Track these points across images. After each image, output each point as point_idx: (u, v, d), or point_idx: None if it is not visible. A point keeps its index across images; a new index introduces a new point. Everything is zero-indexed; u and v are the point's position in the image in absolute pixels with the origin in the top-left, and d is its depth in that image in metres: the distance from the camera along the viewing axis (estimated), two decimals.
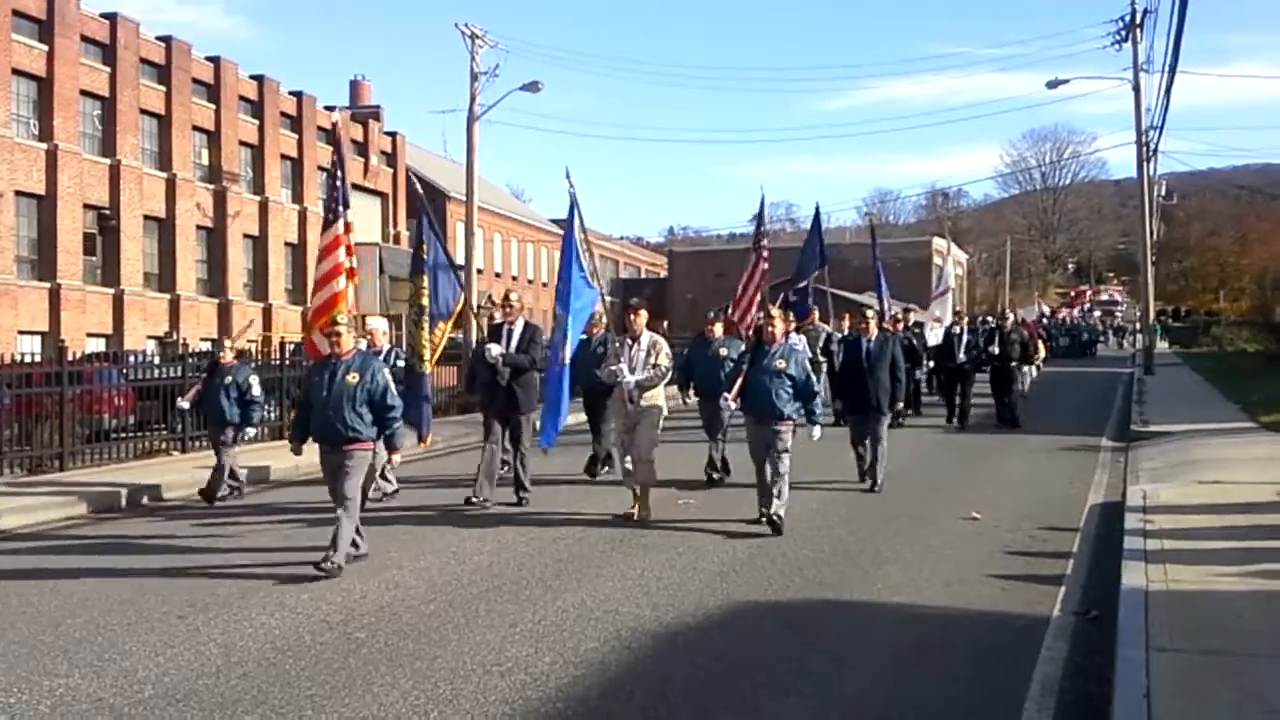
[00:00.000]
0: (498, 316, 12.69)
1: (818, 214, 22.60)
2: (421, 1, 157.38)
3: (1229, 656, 5.38)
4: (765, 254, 18.94)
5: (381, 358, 9.58)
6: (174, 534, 9.63)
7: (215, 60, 38.15)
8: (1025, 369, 19.09)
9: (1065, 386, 29.42)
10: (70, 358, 14.86)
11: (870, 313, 16.29)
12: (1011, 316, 19.68)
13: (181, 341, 22.96)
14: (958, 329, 18.74)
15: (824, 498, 11.30)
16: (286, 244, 41.44)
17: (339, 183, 12.39)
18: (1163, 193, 43.90)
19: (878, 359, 11.77)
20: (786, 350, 9.88)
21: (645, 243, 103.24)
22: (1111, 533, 8.97)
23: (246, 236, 39.38)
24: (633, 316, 10.30)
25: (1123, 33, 33.42)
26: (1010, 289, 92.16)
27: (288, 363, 18.30)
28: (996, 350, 17.70)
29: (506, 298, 11.60)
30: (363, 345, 9.39)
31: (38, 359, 16.54)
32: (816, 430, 9.76)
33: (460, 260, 40.64)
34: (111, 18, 33.59)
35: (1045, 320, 53.25)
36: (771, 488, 9.42)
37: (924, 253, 67.85)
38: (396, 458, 8.90)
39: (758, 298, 18.06)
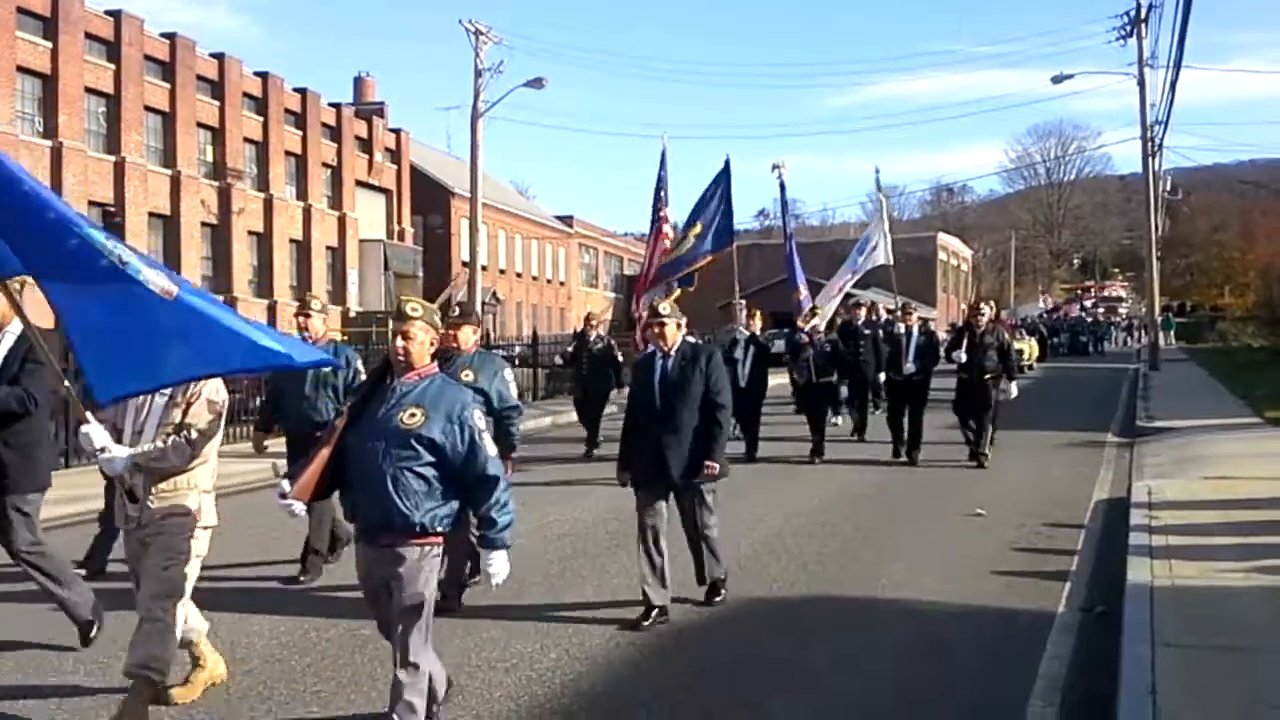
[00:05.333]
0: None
1: (727, 167, 16.49)
2: None
3: (1234, 652, 5.37)
4: (663, 214, 16.27)
5: None
6: None
7: (219, 57, 38.17)
8: (1005, 386, 13.31)
9: (1070, 383, 29.42)
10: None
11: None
12: (987, 312, 14.10)
13: None
14: (901, 328, 14.14)
15: (827, 495, 11.30)
16: (291, 241, 41.44)
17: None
18: (1168, 188, 43.84)
19: (675, 390, 6.63)
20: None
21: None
22: (1117, 529, 8.95)
23: (251, 233, 39.40)
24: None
25: (1127, 28, 33.35)
26: (1015, 285, 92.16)
27: None
28: (964, 358, 13.04)
29: None
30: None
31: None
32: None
33: (465, 256, 40.74)
34: (116, 15, 33.61)
35: (1045, 317, 52.95)
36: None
37: (929, 248, 67.84)
38: None
39: (659, 281, 15.44)
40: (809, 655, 5.94)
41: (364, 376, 7.02)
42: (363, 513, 4.44)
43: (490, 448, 4.42)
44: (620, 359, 15.20)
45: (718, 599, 6.91)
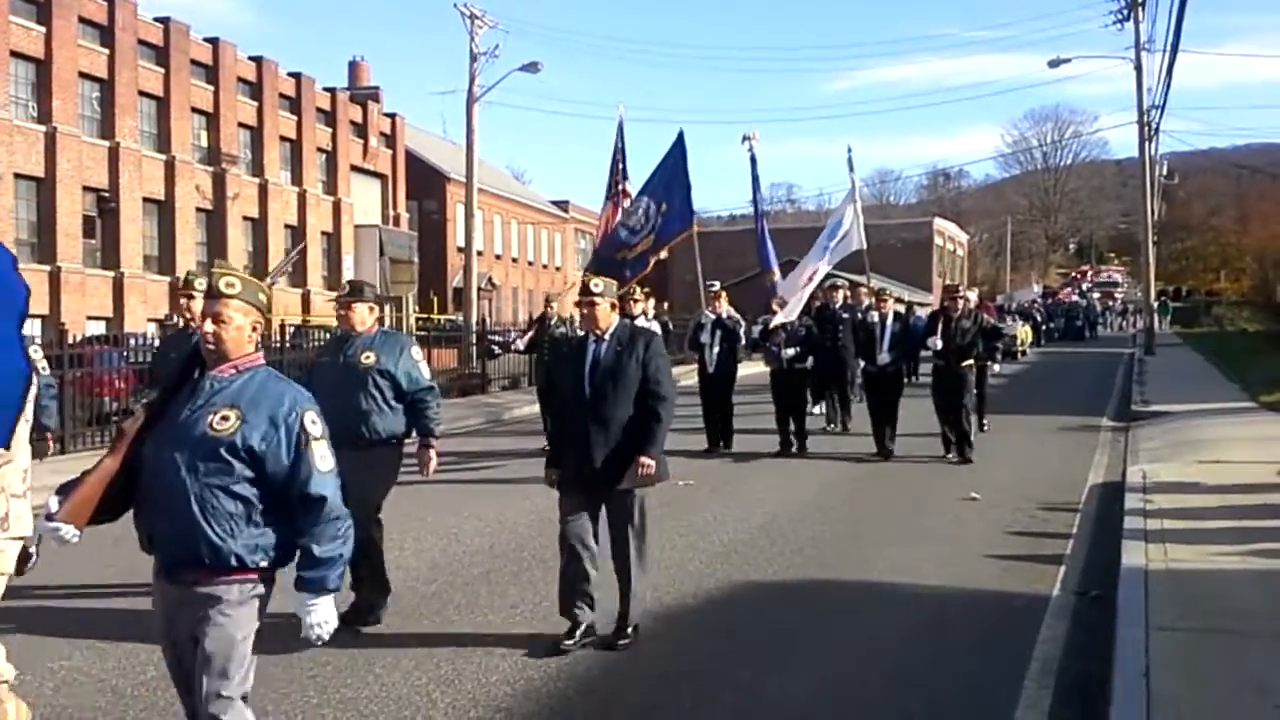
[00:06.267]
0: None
1: (681, 140, 15.70)
2: None
3: (1228, 636, 5.40)
4: (624, 188, 15.10)
5: None
6: None
7: (214, 41, 38.00)
8: (993, 365, 13.25)
9: (1065, 367, 29.46)
10: (71, 340, 14.86)
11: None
12: (971, 296, 13.61)
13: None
14: (875, 316, 13.37)
15: (824, 478, 11.32)
16: (286, 226, 41.35)
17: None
18: (1164, 172, 43.85)
19: (608, 378, 5.75)
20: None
21: None
22: (1111, 512, 8.98)
23: (246, 219, 39.32)
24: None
25: (1124, 12, 33.30)
26: (1011, 269, 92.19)
27: (287, 345, 18.29)
28: (939, 345, 12.29)
29: None
30: None
31: (38, 342, 16.49)
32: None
33: (460, 242, 40.66)
34: None
35: (1038, 302, 52.90)
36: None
37: (925, 233, 67.77)
38: None
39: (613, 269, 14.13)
40: (804, 638, 5.96)
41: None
42: (160, 543, 3.45)
43: (323, 460, 3.47)
44: None
45: (623, 642, 5.70)
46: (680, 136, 15.67)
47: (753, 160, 17.05)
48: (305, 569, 3.47)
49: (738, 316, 13.82)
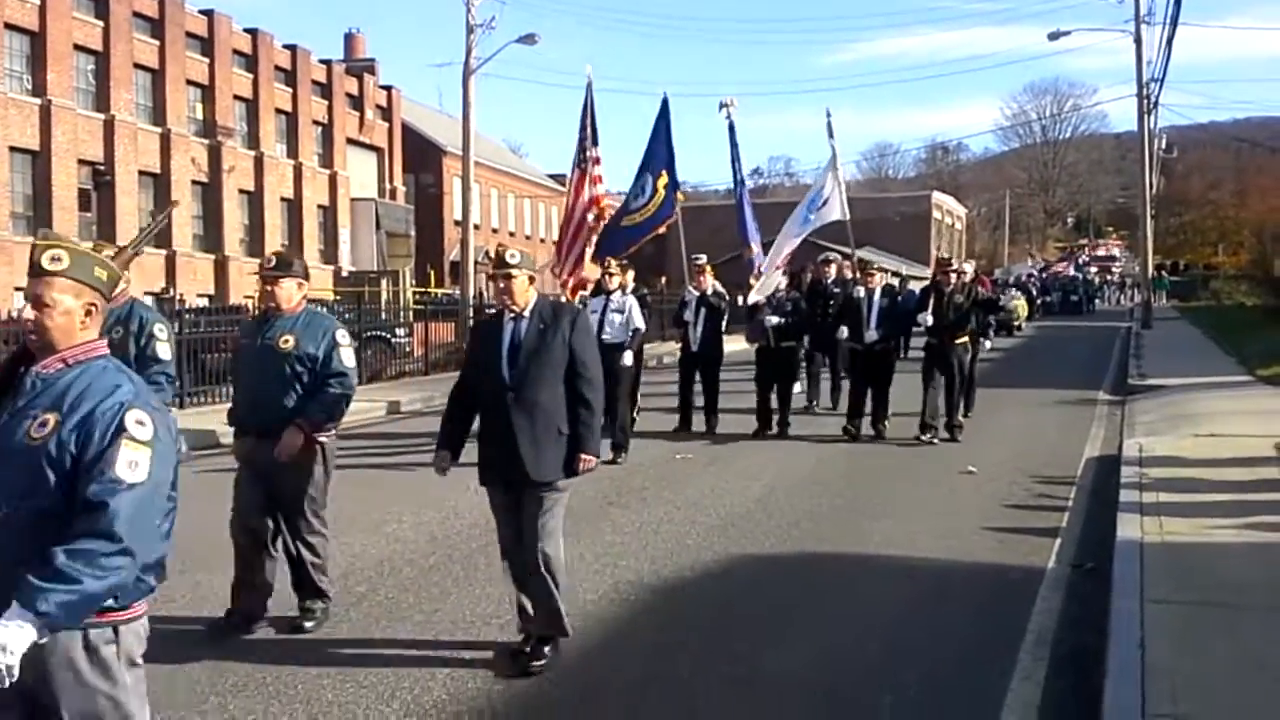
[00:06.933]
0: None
1: (665, 107, 14.81)
2: None
3: (1223, 608, 5.43)
4: (594, 154, 14.03)
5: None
6: None
7: (208, 14, 37.73)
8: (985, 342, 12.89)
9: (1062, 341, 29.49)
10: None
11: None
12: (968, 269, 13.32)
13: (178, 298, 22.94)
14: (861, 291, 12.36)
15: (821, 452, 11.34)
16: (282, 199, 41.19)
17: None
18: (1163, 146, 43.65)
19: (531, 359, 5.17)
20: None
21: None
22: (1107, 485, 9.01)
23: (242, 192, 39.16)
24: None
25: None
26: (1009, 243, 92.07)
27: None
28: (930, 321, 11.77)
29: None
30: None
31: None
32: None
33: (457, 215, 40.55)
34: None
35: (1031, 276, 52.81)
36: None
37: (924, 207, 67.64)
38: None
39: (581, 241, 13.47)
40: (801, 610, 5.99)
41: (164, 345, 5.79)
42: None
43: (131, 469, 2.61)
44: None
45: (539, 663, 5.01)
46: (665, 103, 14.72)
47: (731, 129, 16.12)
48: (36, 573, 2.52)
49: (724, 292, 13.19)
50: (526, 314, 5.22)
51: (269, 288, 5.59)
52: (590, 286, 12.27)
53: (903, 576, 6.68)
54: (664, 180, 14.11)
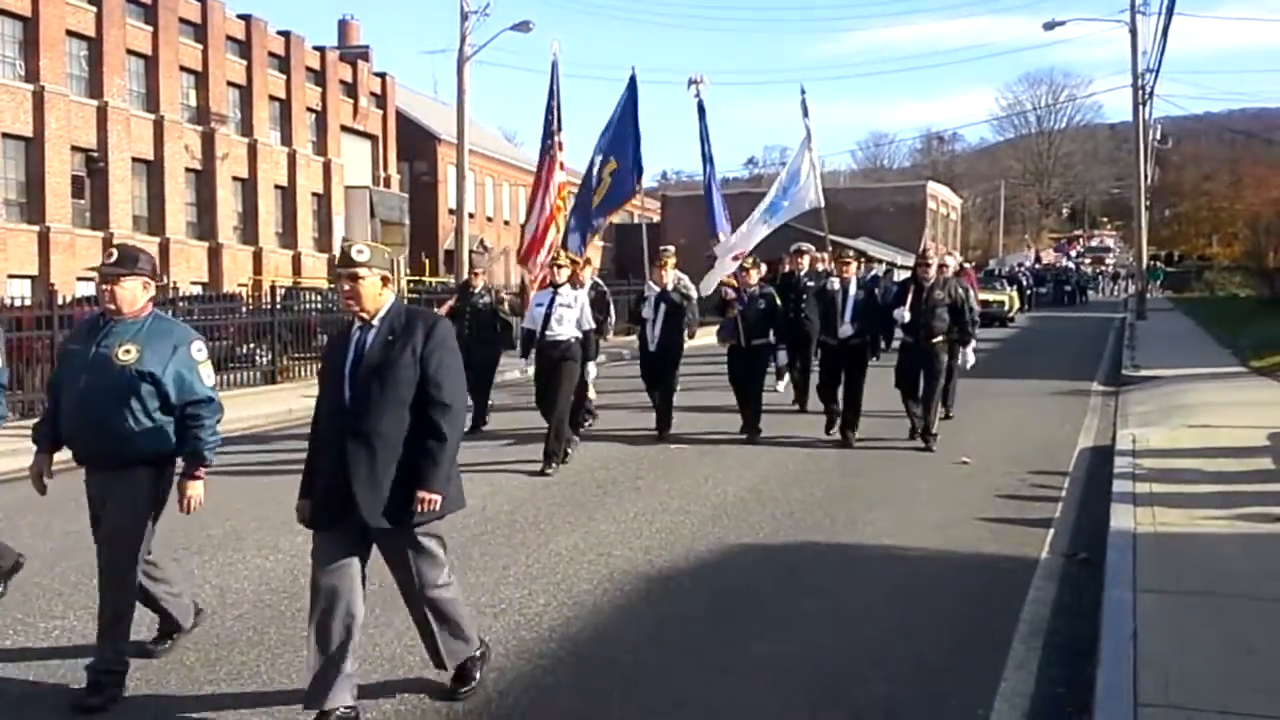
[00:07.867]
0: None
1: (633, 85, 13.69)
2: None
3: (1215, 598, 5.44)
4: (558, 139, 13.53)
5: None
6: None
7: (202, 0, 37.59)
8: (963, 353, 11.91)
9: (1056, 333, 29.53)
10: (60, 301, 14.79)
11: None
12: (950, 262, 12.23)
13: (172, 285, 22.87)
14: (836, 283, 11.39)
15: (814, 443, 11.33)
16: (276, 186, 41.07)
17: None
18: (1158, 137, 43.68)
19: (374, 377, 4.34)
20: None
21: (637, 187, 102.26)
22: (1101, 476, 9.03)
23: (235, 179, 39.04)
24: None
25: None
26: (1004, 233, 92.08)
27: (279, 306, 18.24)
28: (907, 317, 10.81)
29: None
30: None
31: (27, 302, 16.44)
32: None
33: (452, 203, 40.44)
34: None
35: (1023, 267, 52.84)
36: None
37: (919, 197, 67.54)
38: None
39: (552, 227, 12.95)
40: (795, 599, 6.00)
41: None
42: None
43: None
44: (510, 318, 12.64)
45: (466, 689, 4.62)
46: (632, 79, 13.58)
47: (700, 109, 14.79)
48: None
49: (690, 288, 12.26)
50: (375, 322, 4.39)
51: (108, 288, 4.68)
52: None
53: (896, 566, 6.69)
54: (611, 167, 13.24)
